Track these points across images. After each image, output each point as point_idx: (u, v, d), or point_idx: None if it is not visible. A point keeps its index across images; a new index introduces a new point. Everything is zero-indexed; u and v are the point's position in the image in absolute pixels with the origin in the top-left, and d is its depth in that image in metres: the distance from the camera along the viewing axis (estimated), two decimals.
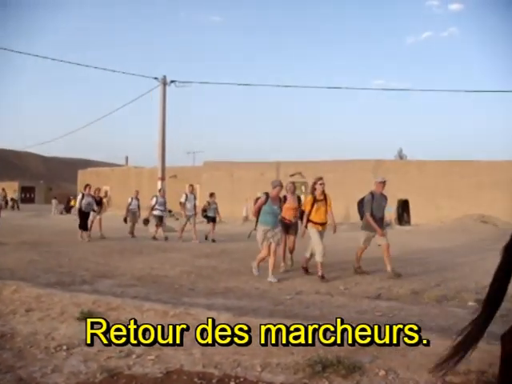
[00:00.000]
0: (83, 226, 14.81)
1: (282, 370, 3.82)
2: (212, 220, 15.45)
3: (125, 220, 16.95)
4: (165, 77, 20.85)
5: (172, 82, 20.98)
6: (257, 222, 8.59)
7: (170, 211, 15.83)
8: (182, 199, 15.08)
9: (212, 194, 15.82)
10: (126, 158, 46.07)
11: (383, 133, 78.89)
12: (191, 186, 15.61)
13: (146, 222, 16.81)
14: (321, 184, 9.02)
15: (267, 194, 8.63)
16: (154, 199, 16.18)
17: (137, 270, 9.01)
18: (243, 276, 8.64)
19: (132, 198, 17.20)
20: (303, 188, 27.33)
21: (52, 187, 68.84)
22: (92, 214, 15.22)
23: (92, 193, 15.32)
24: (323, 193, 9.00)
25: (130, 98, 34.16)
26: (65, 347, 4.33)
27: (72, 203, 38.37)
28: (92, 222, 15.38)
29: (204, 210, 15.47)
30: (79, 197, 15.02)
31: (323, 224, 8.87)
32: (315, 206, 8.79)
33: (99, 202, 15.88)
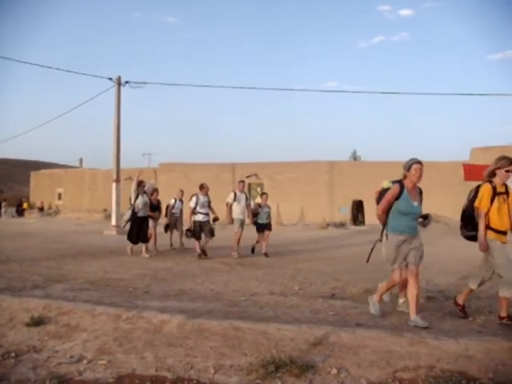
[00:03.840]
0: (135, 236, 11.73)
1: (236, 372, 3.81)
2: (264, 228, 12.20)
3: (166, 228, 13.73)
4: (119, 77, 20.59)
5: (126, 82, 20.75)
6: (384, 227, 5.55)
7: (215, 219, 11.90)
8: (230, 199, 11.97)
9: (263, 194, 12.62)
10: (81, 160, 45.14)
11: (338, 134, 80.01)
12: (242, 182, 12.37)
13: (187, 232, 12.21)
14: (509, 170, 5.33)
15: (401, 182, 5.54)
16: (194, 199, 11.61)
17: (90, 274, 8.83)
18: (198, 278, 8.58)
19: (176, 200, 13.87)
20: (259, 189, 27.43)
21: (3, 190, 66.84)
22: (151, 222, 12.54)
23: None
24: (504, 184, 5.47)
25: (84, 98, 33.50)
26: (13, 354, 4.21)
27: (25, 206, 37.38)
28: (152, 233, 12.76)
29: (254, 215, 12.14)
30: (133, 195, 11.90)
31: (506, 233, 5.47)
32: (495, 202, 5.35)
33: (157, 207, 12.96)
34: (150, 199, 12.43)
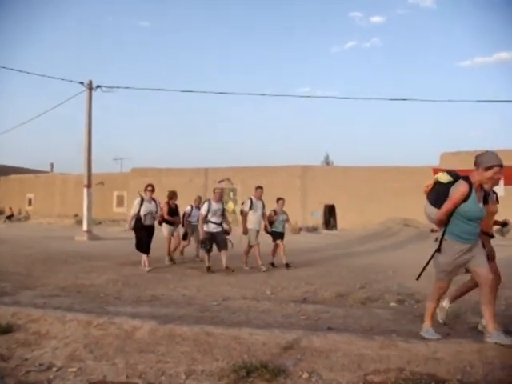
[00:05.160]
0: (146, 244, 10.53)
1: (207, 377, 3.80)
2: (279, 236, 11.14)
3: (184, 236, 12.45)
4: (91, 81, 20.35)
5: (98, 86, 20.49)
6: (444, 234, 4.71)
7: (226, 232, 10.54)
8: (246, 207, 10.88)
9: (280, 200, 11.44)
10: (51, 165, 44.46)
11: (311, 139, 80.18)
12: (260, 188, 11.08)
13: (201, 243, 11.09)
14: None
15: (468, 180, 4.54)
16: (206, 205, 10.37)
17: (61, 280, 8.72)
18: (171, 283, 8.55)
19: (192, 207, 12.49)
20: (231, 194, 27.38)
21: None
22: (167, 229, 11.63)
23: (150, 196, 10.61)
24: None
25: (56, 103, 33.03)
26: None
27: None
28: (181, 244, 12.20)
29: (270, 223, 11.10)
30: (136, 201, 10.49)
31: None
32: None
33: (175, 211, 11.93)
34: (168, 203, 11.73)
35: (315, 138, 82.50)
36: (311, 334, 4.56)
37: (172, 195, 12.00)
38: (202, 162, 67.29)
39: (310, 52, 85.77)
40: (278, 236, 11.06)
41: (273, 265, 10.84)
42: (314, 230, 24.22)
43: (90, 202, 20.45)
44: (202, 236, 10.28)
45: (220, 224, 10.34)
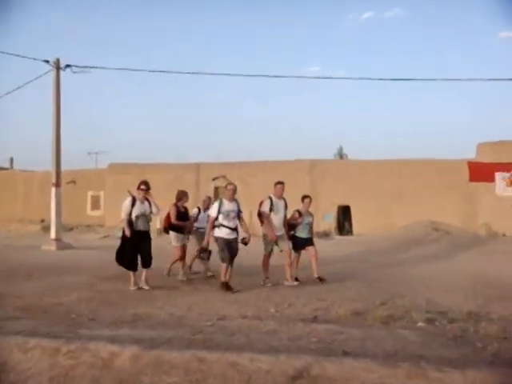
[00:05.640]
0: (129, 257, 9.99)
1: None
2: (305, 244, 10.87)
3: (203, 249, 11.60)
4: (58, 60, 20.13)
5: (67, 66, 20.20)
6: None
7: (244, 242, 9.98)
8: (266, 207, 10.46)
9: (305, 198, 11.12)
10: (11, 160, 44.39)
11: (321, 129, 79.70)
12: (281, 183, 10.67)
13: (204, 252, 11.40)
14: None
15: None
16: (216, 205, 9.90)
17: (24, 298, 8.67)
18: (156, 300, 8.53)
19: (200, 210, 12.08)
20: None
21: None
22: (176, 237, 11.48)
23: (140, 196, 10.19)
24: None
25: (14, 86, 32.92)
26: None
27: None
28: (197, 256, 11.69)
29: (291, 226, 10.81)
30: (127, 202, 10.11)
31: None
32: None
33: (185, 216, 11.62)
34: (176, 206, 11.48)
35: (326, 127, 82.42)
36: (324, 359, 4.53)
37: (181, 196, 11.67)
38: (192, 157, 67.11)
39: (318, 24, 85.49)
40: (301, 243, 10.80)
41: (297, 279, 10.52)
42: (325, 235, 24.17)
43: (58, 204, 20.35)
44: (205, 241, 10.02)
45: (235, 229, 9.88)
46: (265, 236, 10.48)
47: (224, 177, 27.73)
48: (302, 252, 10.96)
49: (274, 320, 6.96)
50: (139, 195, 10.18)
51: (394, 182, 24.96)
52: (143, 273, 10.09)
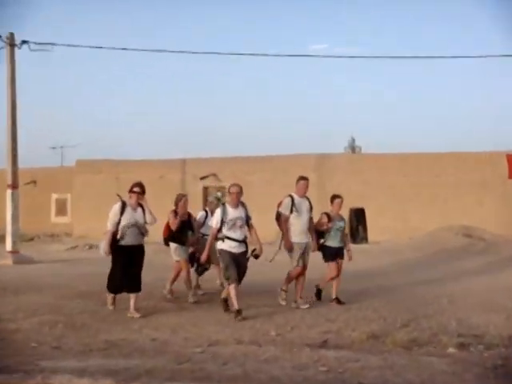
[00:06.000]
0: (119, 280, 9.55)
1: None
2: (336, 254, 10.51)
3: (192, 259, 11.32)
4: (12, 35, 19.76)
5: (24, 42, 19.87)
6: None
7: (255, 254, 9.38)
8: (285, 209, 10.17)
9: (336, 198, 10.80)
10: None
11: (329, 117, 79.16)
12: (304, 179, 10.39)
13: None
14: None
15: None
16: (219, 212, 9.41)
17: None
18: (135, 322, 8.53)
19: (207, 213, 11.83)
20: (219, 194, 27.30)
21: None
22: (177, 250, 11.03)
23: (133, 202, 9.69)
24: None
25: None
26: None
27: None
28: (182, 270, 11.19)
29: (319, 234, 10.50)
30: (116, 208, 9.64)
31: None
32: None
33: (188, 225, 11.29)
34: (175, 212, 11.04)
35: (335, 116, 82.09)
36: None
37: (181, 198, 11.26)
38: (177, 152, 66.86)
39: None
40: (333, 253, 10.40)
41: (319, 294, 10.44)
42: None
43: (16, 209, 20.09)
44: (203, 257, 9.63)
45: (243, 241, 9.37)
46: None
47: (214, 175, 27.70)
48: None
49: (275, 345, 6.97)
50: (131, 200, 9.64)
51: (416, 179, 24.91)
52: (131, 299, 9.45)
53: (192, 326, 8.21)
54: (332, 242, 10.38)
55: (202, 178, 27.33)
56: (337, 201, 10.65)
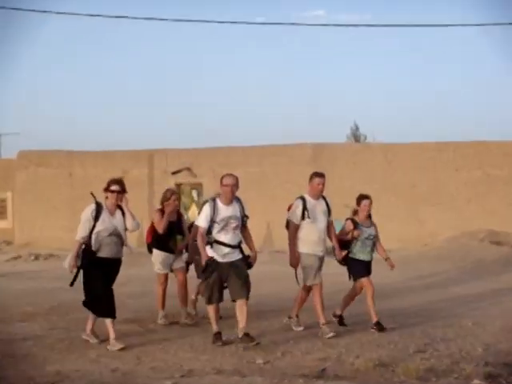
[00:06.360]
0: (100, 299, 9.01)
1: None
2: (365, 269, 10.24)
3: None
4: None
5: None
6: None
7: (249, 263, 8.95)
8: (296, 214, 9.84)
9: (364, 199, 10.80)
10: None
11: (328, 100, 78.73)
12: (320, 175, 10.45)
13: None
14: None
15: None
16: (207, 209, 8.96)
17: None
18: (91, 350, 8.49)
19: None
20: (194, 193, 27.24)
21: None
22: (160, 259, 10.75)
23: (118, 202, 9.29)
24: None
25: None
26: None
27: None
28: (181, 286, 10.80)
29: (344, 243, 10.20)
30: (88, 212, 9.07)
31: None
32: None
33: (177, 228, 11.03)
34: (161, 211, 10.76)
35: (336, 99, 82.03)
36: None
37: (170, 196, 10.84)
38: (144, 142, 66.75)
39: None
40: (364, 268, 10.07)
41: (341, 320, 10.18)
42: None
43: None
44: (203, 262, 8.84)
45: (237, 246, 9.01)
46: (305, 258, 9.69)
47: (189, 169, 27.70)
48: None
49: (263, 375, 6.94)
50: (108, 201, 9.15)
51: (432, 174, 24.99)
52: (109, 327, 8.88)
53: (161, 353, 8.21)
54: (362, 253, 10.03)
55: (174, 173, 27.30)
56: (365, 202, 10.49)
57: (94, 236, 8.77)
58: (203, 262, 8.68)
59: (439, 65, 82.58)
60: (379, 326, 9.53)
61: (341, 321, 10.07)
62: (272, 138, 61.78)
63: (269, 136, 77.29)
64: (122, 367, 7.50)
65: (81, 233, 8.84)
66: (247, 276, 8.78)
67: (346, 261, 10.03)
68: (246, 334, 8.51)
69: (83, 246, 8.88)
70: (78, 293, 9.60)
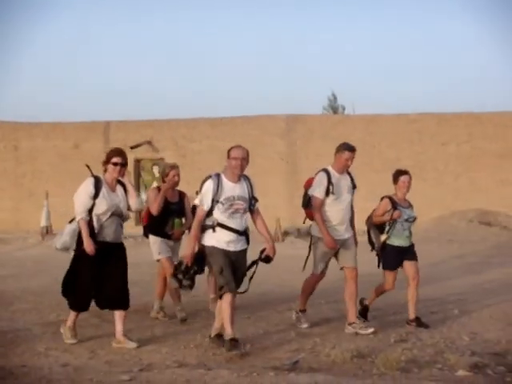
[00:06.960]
0: (86, 290, 8.50)
1: None
2: (406, 255, 9.69)
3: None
4: None
5: None
6: None
7: (267, 258, 8.16)
8: (318, 190, 9.40)
9: (402, 174, 10.36)
10: None
11: (300, 67, 78.29)
12: (350, 148, 9.97)
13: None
14: None
15: None
16: (210, 185, 8.18)
17: None
18: (40, 342, 8.46)
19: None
20: (155, 169, 27.13)
21: None
22: (158, 245, 10.20)
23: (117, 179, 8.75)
24: None
25: None
26: None
27: None
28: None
29: (379, 225, 9.89)
30: (88, 187, 8.46)
31: None
32: None
33: (177, 209, 10.54)
34: (158, 189, 10.26)
35: (310, 65, 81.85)
36: None
37: (168, 172, 10.28)
38: (99, 113, 66.45)
39: None
40: (400, 256, 9.57)
41: (365, 312, 9.70)
42: (309, 234, 24.14)
43: None
44: (187, 254, 8.11)
45: (243, 233, 8.29)
46: (316, 241, 9.55)
47: (149, 143, 27.60)
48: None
49: (230, 369, 6.94)
50: (109, 175, 8.60)
51: (417, 148, 25.09)
52: (118, 320, 8.50)
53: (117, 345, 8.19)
54: (399, 239, 9.50)
55: (133, 148, 27.11)
56: (403, 178, 9.95)
57: (94, 217, 8.29)
58: (187, 255, 8.03)
59: (425, 34, 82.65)
60: (418, 322, 9.13)
61: (364, 312, 9.56)
62: (241, 109, 61.62)
63: (238, 107, 77.24)
64: (73, 362, 7.47)
65: (79, 210, 8.30)
66: (244, 274, 8.26)
67: (384, 248, 9.56)
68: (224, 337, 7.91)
69: (74, 226, 8.35)
70: (21, 281, 9.60)
